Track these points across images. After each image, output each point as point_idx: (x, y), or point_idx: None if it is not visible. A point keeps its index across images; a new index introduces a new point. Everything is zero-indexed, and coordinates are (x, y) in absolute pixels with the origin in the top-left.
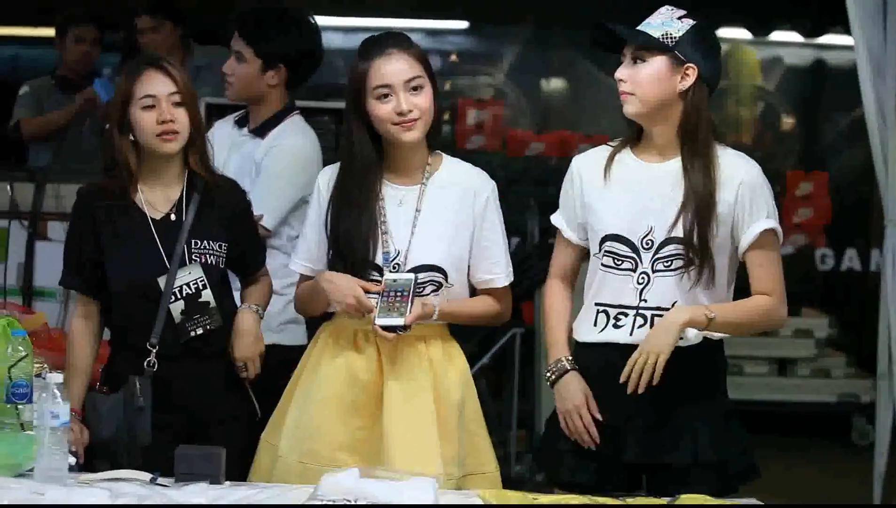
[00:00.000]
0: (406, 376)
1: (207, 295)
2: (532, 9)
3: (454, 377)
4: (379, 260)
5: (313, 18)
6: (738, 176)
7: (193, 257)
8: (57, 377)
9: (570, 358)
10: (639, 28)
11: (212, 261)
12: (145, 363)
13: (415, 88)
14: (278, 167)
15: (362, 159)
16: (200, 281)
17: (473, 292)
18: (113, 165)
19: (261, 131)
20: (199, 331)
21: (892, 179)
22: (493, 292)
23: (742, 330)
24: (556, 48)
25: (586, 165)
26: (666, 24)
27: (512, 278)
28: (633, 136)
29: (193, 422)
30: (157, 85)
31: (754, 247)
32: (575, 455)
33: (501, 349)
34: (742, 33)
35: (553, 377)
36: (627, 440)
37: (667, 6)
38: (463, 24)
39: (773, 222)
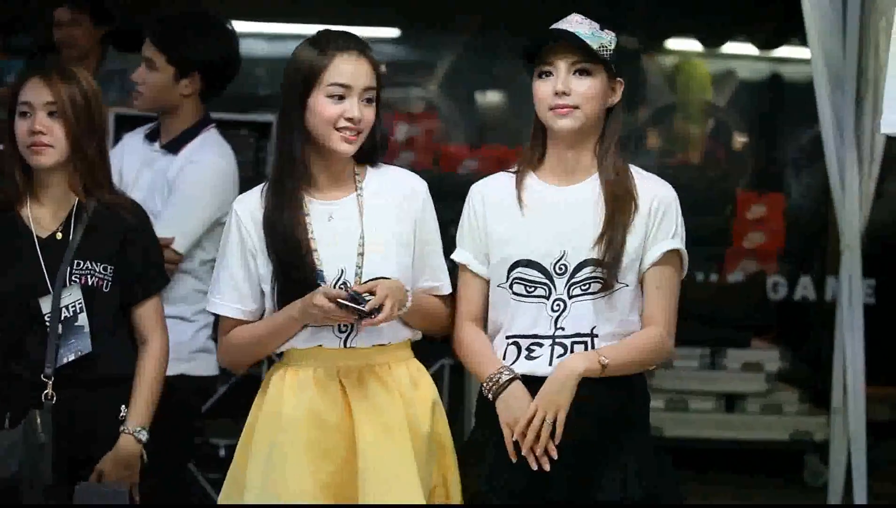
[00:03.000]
0: (376, 411)
1: (83, 319)
2: (468, 16)
3: (421, 405)
4: (319, 282)
5: (231, 24)
6: (651, 194)
7: (74, 278)
8: None
9: (511, 368)
10: (567, 29)
11: (93, 283)
12: (43, 396)
13: (368, 100)
14: (192, 187)
15: (294, 167)
16: (78, 304)
17: None
18: (4, 175)
19: (174, 147)
20: (71, 357)
21: (849, 201)
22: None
23: (633, 369)
24: (492, 58)
25: (489, 193)
26: (596, 35)
27: (451, 289)
28: (535, 159)
29: (71, 455)
30: (33, 93)
31: (655, 266)
32: (496, 493)
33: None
34: (692, 45)
35: (494, 387)
36: (552, 477)
37: (576, 14)
38: (393, 32)
39: (678, 244)
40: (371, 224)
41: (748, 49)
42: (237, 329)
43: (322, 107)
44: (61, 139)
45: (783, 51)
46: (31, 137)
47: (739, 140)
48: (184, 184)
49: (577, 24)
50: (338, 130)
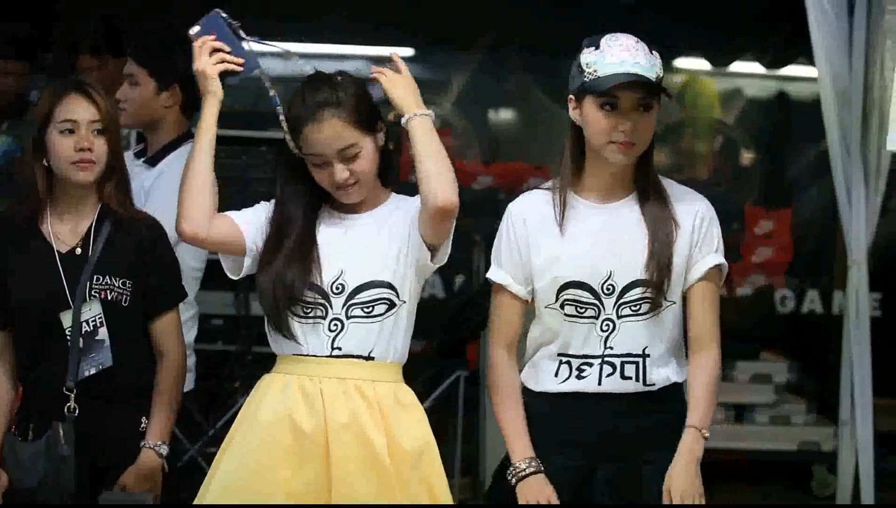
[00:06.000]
0: (355, 425)
1: (103, 333)
2: (481, 36)
3: (407, 424)
4: (319, 281)
5: None
6: (694, 208)
7: (94, 292)
8: None
9: (536, 459)
10: (635, 71)
11: (112, 297)
12: (66, 409)
13: (348, 158)
14: (163, 194)
15: (300, 203)
16: (98, 318)
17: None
18: (24, 190)
19: (154, 160)
20: (92, 371)
21: (856, 217)
22: None
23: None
24: (505, 77)
25: (529, 212)
26: (651, 62)
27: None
28: (574, 177)
29: (92, 466)
30: (79, 110)
31: (700, 281)
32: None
33: (445, 392)
34: (701, 63)
35: (518, 474)
36: (595, 486)
37: (627, 36)
38: (408, 51)
39: (721, 258)
40: (375, 234)
41: (756, 67)
42: None
43: (314, 173)
44: (103, 155)
45: (790, 69)
46: (78, 154)
47: (747, 156)
48: (157, 192)
49: (633, 50)
50: (337, 189)
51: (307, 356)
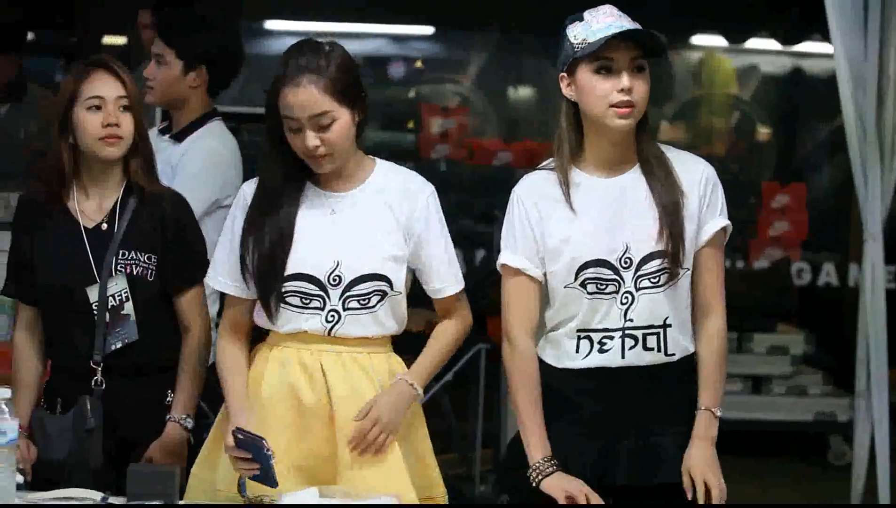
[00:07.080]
0: (357, 397)
1: (129, 308)
2: (499, 15)
3: None
4: (315, 272)
5: (235, 22)
6: (699, 172)
7: (119, 268)
8: (5, 393)
9: (553, 459)
10: (627, 30)
11: (138, 272)
12: (93, 383)
13: (322, 126)
14: (192, 169)
15: (281, 174)
16: (124, 293)
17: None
18: (49, 168)
19: (180, 136)
20: (119, 345)
21: (871, 193)
22: (447, 304)
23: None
24: (523, 55)
25: (538, 193)
26: (635, 26)
27: (462, 284)
28: (574, 152)
29: (119, 440)
30: (105, 87)
31: (707, 246)
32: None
33: (465, 365)
34: (717, 40)
35: (540, 478)
36: (615, 463)
37: (609, 7)
38: (429, 30)
39: (726, 219)
40: (368, 221)
41: (771, 44)
42: (222, 353)
43: (290, 139)
44: (130, 131)
45: (805, 46)
46: (105, 130)
47: (763, 132)
48: (184, 167)
49: (618, 16)
50: (310, 157)
51: (304, 332)
